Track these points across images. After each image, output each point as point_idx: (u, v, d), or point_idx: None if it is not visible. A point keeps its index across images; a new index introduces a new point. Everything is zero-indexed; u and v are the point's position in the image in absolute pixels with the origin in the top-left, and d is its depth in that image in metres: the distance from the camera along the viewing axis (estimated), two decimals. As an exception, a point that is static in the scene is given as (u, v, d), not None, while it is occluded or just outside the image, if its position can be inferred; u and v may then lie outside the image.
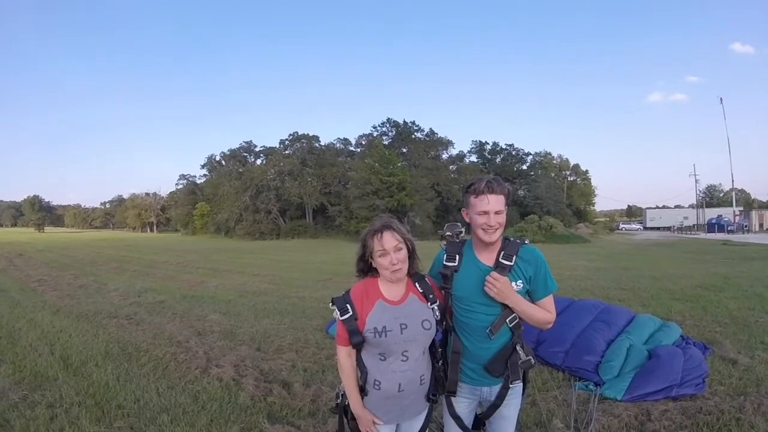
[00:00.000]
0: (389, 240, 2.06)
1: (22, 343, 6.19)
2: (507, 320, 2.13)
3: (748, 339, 5.88)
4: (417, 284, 2.18)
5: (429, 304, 2.16)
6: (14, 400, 4.30)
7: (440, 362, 2.22)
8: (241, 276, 14.53)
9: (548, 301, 2.19)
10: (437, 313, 2.16)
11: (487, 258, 2.17)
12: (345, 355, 2.14)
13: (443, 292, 2.22)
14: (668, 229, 66.64)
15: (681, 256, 21.25)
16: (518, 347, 2.17)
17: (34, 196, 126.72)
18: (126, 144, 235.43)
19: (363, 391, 2.14)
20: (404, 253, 2.09)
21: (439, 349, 2.23)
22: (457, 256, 2.20)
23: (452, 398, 2.25)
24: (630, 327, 5.40)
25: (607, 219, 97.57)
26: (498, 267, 2.12)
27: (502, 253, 2.14)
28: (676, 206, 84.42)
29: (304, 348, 5.90)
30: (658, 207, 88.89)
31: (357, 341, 2.07)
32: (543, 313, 2.16)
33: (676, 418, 3.62)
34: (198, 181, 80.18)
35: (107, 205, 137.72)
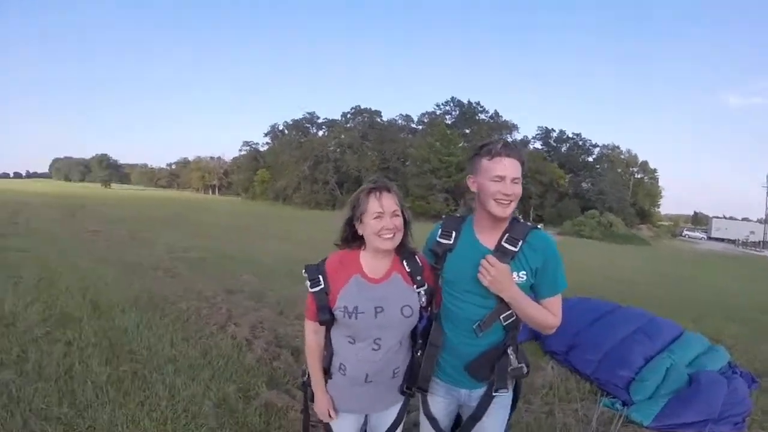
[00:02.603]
0: (389, 201, 1.82)
1: (58, 286, 6.53)
2: (501, 317, 1.85)
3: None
4: (405, 262, 1.93)
5: (415, 287, 1.91)
6: (37, 335, 4.55)
7: (419, 353, 1.97)
8: (287, 242, 14.84)
9: (554, 302, 1.88)
10: (423, 298, 1.92)
11: (489, 239, 1.88)
12: (311, 331, 1.96)
13: (434, 273, 1.98)
14: (733, 242, 63.61)
15: (743, 274, 19.99)
16: (510, 351, 1.90)
17: (102, 154, 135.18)
18: (194, 108, 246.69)
19: (327, 373, 1.97)
20: (400, 221, 1.86)
21: (419, 340, 1.99)
22: (454, 233, 1.94)
23: (427, 396, 2.02)
24: (674, 344, 4.86)
25: (671, 223, 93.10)
26: (498, 251, 1.82)
27: (507, 235, 1.85)
28: (744, 219, 79.95)
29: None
30: (725, 217, 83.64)
31: (324, 318, 1.86)
32: (545, 315, 1.85)
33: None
34: (260, 149, 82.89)
35: (173, 166, 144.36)
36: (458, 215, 2.03)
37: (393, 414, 2.02)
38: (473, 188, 1.90)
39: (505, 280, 1.78)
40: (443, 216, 2.07)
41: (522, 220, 1.93)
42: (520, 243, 1.83)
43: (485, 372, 1.90)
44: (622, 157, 69.40)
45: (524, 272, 1.84)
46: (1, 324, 4.85)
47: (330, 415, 1.96)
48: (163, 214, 24.32)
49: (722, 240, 67.12)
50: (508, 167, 1.79)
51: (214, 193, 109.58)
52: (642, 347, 4.59)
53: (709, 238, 71.05)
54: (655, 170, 72.99)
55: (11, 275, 7.13)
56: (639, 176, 71.56)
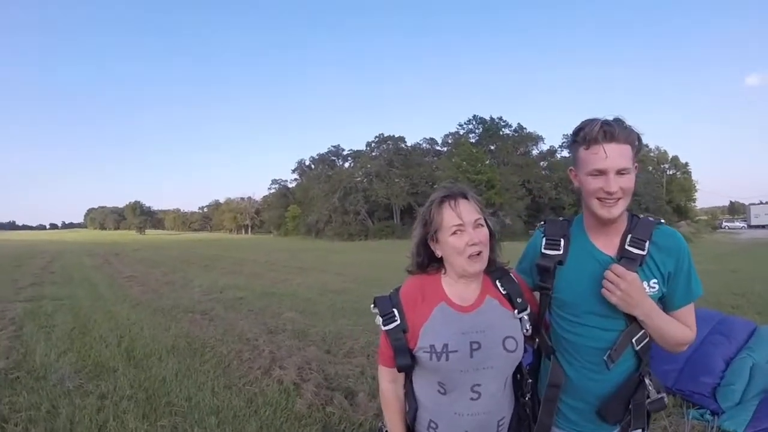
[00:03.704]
0: (467, 210, 1.44)
1: (93, 334, 6.34)
2: (633, 340, 1.46)
3: None
4: (498, 283, 1.54)
5: (516, 312, 1.51)
6: (69, 387, 4.34)
7: (528, 397, 1.58)
8: (324, 274, 14.53)
9: (688, 312, 1.50)
10: (527, 327, 1.52)
11: (608, 244, 1.50)
12: (388, 380, 1.57)
13: (538, 293, 1.61)
14: None
15: None
16: (647, 380, 1.51)
17: (136, 201, 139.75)
18: (222, 151, 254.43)
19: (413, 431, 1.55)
20: (486, 232, 1.47)
21: (528, 379, 1.60)
22: (562, 241, 1.55)
23: None
24: (751, 342, 4.45)
25: (709, 216, 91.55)
26: (623, 258, 1.45)
27: (629, 237, 1.47)
28: None
29: (377, 353, 5.44)
30: (762, 203, 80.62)
31: (404, 363, 1.47)
32: (682, 330, 1.48)
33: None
34: (289, 185, 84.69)
35: (205, 209, 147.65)
36: (561, 218, 1.63)
37: None
38: (575, 183, 1.52)
39: (638, 293, 1.39)
40: (543, 221, 1.66)
41: (642, 216, 1.53)
42: (647, 244, 1.45)
43: (620, 411, 1.50)
44: (652, 155, 67.31)
45: (655, 280, 1.46)
46: (32, 377, 4.70)
47: None
48: (198, 256, 24.40)
49: (764, 226, 65.30)
50: (612, 156, 1.39)
51: (246, 232, 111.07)
52: (721, 349, 4.22)
53: (750, 227, 69.39)
54: (686, 164, 71.05)
55: (44, 325, 7.04)
56: (671, 173, 69.74)
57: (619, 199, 1.42)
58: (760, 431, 3.23)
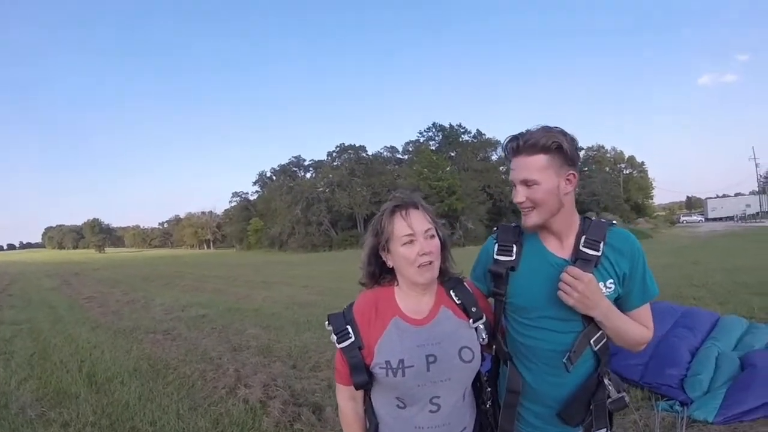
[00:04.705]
0: (419, 220, 1.45)
1: (53, 359, 6.21)
2: (591, 341, 1.48)
3: None
4: (452, 293, 1.54)
5: (471, 321, 1.51)
6: (31, 416, 4.27)
7: (488, 404, 1.60)
8: (289, 288, 14.47)
9: (645, 312, 1.54)
10: (483, 335, 1.53)
11: (561, 246, 1.53)
12: (347, 398, 1.55)
13: (492, 300, 1.61)
14: (731, 218, 64.49)
15: (751, 247, 19.96)
16: (606, 380, 1.54)
17: (94, 219, 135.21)
18: (180, 165, 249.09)
19: None
20: (437, 242, 1.47)
21: (487, 388, 1.62)
22: (515, 247, 1.57)
23: None
24: (715, 331, 4.71)
25: (667, 212, 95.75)
26: (578, 259, 1.47)
27: (584, 238, 1.49)
28: (737, 194, 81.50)
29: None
30: (718, 196, 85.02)
31: (360, 380, 1.45)
32: (640, 329, 1.51)
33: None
34: (251, 198, 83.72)
35: (165, 225, 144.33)
36: (513, 224, 1.65)
37: None
38: None
39: (595, 294, 1.41)
40: (496, 226, 1.71)
41: (595, 219, 1.58)
42: (601, 245, 1.48)
43: (581, 413, 1.53)
44: (609, 155, 70.32)
45: (612, 280, 1.49)
46: None
47: None
48: (158, 274, 23.90)
49: (721, 219, 67.99)
50: (515, 169, 1.48)
51: (208, 247, 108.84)
52: (685, 341, 4.41)
53: (707, 219, 72.09)
54: (642, 163, 74.08)
55: (3, 351, 6.88)
56: (627, 172, 72.41)
57: (532, 208, 1.47)
58: (730, 417, 3.33)
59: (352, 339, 1.46)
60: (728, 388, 3.64)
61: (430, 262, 1.44)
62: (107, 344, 7.07)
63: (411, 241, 1.43)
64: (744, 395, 3.48)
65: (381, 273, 1.55)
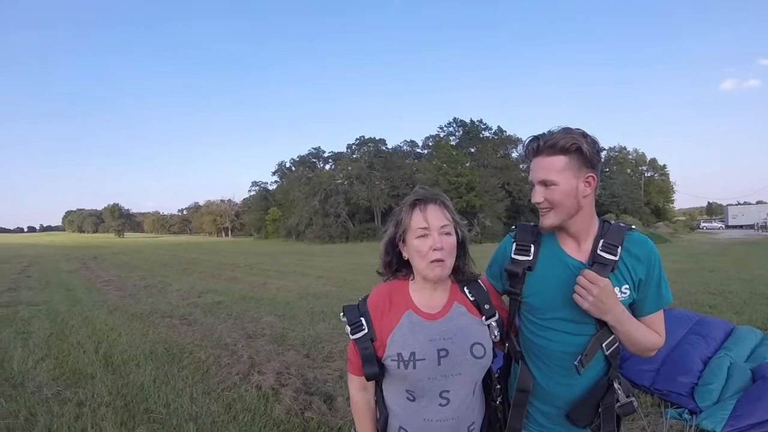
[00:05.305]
0: (435, 216, 1.44)
1: (70, 340, 6.30)
2: (603, 344, 1.47)
3: None
4: (466, 290, 1.55)
5: (483, 318, 1.52)
6: (47, 395, 4.32)
7: (498, 401, 1.60)
8: (305, 278, 14.49)
9: (658, 319, 1.53)
10: (496, 332, 1.52)
11: (578, 249, 1.52)
12: (358, 388, 1.57)
13: (507, 299, 1.61)
14: (751, 227, 62.31)
15: None
16: (616, 384, 1.52)
17: (114, 204, 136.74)
18: (202, 153, 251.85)
19: None
20: (452, 240, 1.46)
21: (497, 385, 1.61)
22: (532, 247, 1.56)
23: None
24: (728, 341, 4.60)
25: (687, 217, 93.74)
26: (595, 263, 1.46)
27: (602, 242, 1.48)
28: (758, 202, 78.43)
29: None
30: (739, 203, 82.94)
31: (371, 372, 1.46)
32: (652, 336, 1.50)
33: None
34: (270, 188, 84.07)
35: (184, 212, 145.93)
36: (531, 223, 1.64)
37: None
38: None
39: (610, 299, 1.40)
40: (514, 225, 1.69)
41: (613, 223, 1.55)
42: (618, 250, 1.47)
43: (589, 415, 1.53)
44: (630, 157, 68.85)
45: (627, 286, 1.48)
46: (9, 384, 4.67)
47: None
48: (176, 260, 24.18)
49: (741, 226, 66.37)
50: (534, 170, 1.48)
51: (227, 235, 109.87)
52: (698, 350, 4.34)
53: (727, 227, 70.39)
54: (664, 166, 72.25)
55: (21, 331, 6.97)
56: (649, 174, 70.85)
57: (549, 209, 1.47)
58: (738, 430, 3.27)
59: (365, 331, 1.48)
60: (738, 400, 3.58)
61: (442, 260, 1.43)
62: (124, 327, 7.16)
63: (425, 235, 1.44)
64: (754, 407, 3.42)
65: (398, 265, 1.56)
